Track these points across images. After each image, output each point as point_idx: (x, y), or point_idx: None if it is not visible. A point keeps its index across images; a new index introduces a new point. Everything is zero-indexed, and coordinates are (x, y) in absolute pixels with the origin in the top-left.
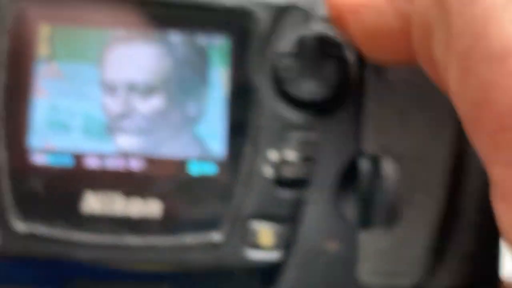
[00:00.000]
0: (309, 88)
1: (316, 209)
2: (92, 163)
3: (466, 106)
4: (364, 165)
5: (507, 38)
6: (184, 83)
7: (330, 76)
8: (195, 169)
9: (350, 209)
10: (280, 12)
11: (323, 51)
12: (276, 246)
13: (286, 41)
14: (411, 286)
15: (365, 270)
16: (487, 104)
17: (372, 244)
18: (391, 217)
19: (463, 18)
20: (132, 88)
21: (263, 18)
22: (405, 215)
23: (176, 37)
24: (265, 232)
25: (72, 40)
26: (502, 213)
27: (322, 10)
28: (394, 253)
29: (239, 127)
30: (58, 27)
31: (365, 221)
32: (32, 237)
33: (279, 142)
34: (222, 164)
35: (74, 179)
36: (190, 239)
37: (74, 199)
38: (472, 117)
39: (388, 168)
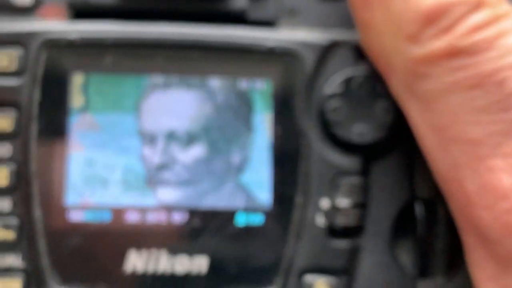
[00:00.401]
0: (359, 130)
1: (372, 259)
2: (132, 218)
3: (439, 176)
4: (420, 210)
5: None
6: (226, 130)
7: (381, 117)
8: (242, 221)
9: (407, 257)
10: (326, 51)
11: (373, 90)
12: None
13: (333, 82)
14: None
15: None
16: (456, 182)
17: None
18: (452, 265)
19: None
20: (172, 137)
21: (307, 58)
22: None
23: (216, 82)
24: (321, 286)
25: (107, 88)
26: (473, 274)
27: None
28: None
29: (286, 175)
30: (91, 75)
31: (424, 269)
32: None
33: (330, 189)
34: (270, 214)
35: (114, 236)
36: None
37: (115, 257)
38: (443, 188)
39: (445, 212)
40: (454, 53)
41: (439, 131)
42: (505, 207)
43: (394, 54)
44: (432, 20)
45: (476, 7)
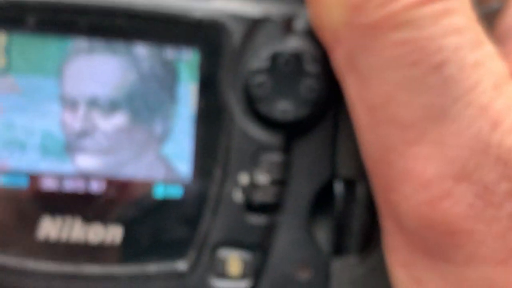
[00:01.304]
0: (283, 107)
1: (288, 235)
2: (49, 184)
3: (366, 156)
4: (339, 189)
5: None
6: (150, 99)
7: (305, 95)
8: (161, 192)
9: (323, 235)
10: (254, 25)
11: (299, 68)
12: (245, 275)
13: (259, 57)
14: None
15: None
16: (382, 165)
17: (345, 272)
18: (366, 244)
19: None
20: (93, 103)
21: (235, 31)
22: (381, 242)
23: (142, 50)
24: (234, 261)
25: (30, 50)
26: (387, 258)
27: (300, 23)
28: (368, 283)
29: (208, 148)
30: (14, 36)
31: (339, 248)
32: None
33: (249, 165)
34: (189, 187)
35: (30, 201)
36: (152, 268)
37: (29, 223)
38: (369, 168)
39: (364, 192)
40: (398, 25)
41: (373, 110)
42: (423, 198)
43: (340, 25)
44: None
45: None
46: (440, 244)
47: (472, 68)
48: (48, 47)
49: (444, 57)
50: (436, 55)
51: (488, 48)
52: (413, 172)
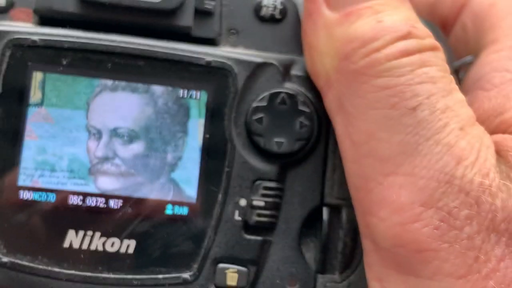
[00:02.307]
0: (278, 141)
1: (279, 253)
2: (74, 201)
3: (350, 184)
4: (326, 214)
5: None
6: (163, 131)
7: (299, 131)
8: (170, 211)
9: (311, 254)
10: (256, 69)
11: (294, 107)
12: (241, 286)
13: (259, 97)
14: None
15: None
16: (363, 192)
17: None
18: (348, 264)
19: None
20: (115, 134)
21: (239, 74)
22: (362, 262)
23: (158, 89)
24: (231, 273)
25: (62, 87)
26: (366, 273)
27: (297, 69)
28: None
29: (212, 175)
30: (49, 74)
31: (324, 265)
32: (15, 267)
33: (248, 190)
34: (194, 208)
35: (57, 215)
36: (161, 276)
37: (56, 234)
38: (352, 195)
39: (348, 218)
40: (380, 72)
41: (356, 145)
42: (397, 220)
43: (332, 71)
44: (365, 42)
45: (405, 36)
46: (410, 260)
47: (442, 112)
48: (77, 84)
49: (418, 102)
50: (412, 100)
51: (457, 95)
52: (389, 199)
